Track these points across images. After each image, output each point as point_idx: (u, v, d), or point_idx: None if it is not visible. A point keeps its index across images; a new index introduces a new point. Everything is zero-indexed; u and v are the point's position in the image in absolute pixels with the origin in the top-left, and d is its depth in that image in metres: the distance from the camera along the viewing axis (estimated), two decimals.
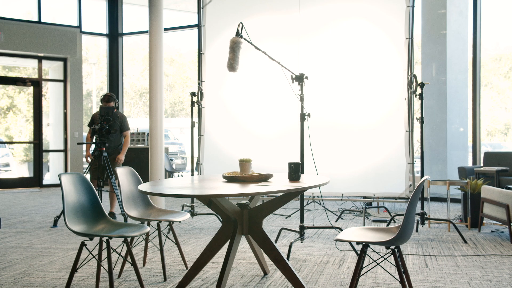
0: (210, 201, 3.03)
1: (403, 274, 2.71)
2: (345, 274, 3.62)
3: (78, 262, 2.98)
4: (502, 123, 13.31)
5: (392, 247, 2.67)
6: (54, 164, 10.70)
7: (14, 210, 7.01)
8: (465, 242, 4.66)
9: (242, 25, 3.81)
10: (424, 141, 5.56)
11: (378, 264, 3.19)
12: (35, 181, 10.15)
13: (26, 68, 11.23)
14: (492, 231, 5.20)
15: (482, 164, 7.49)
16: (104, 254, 3.09)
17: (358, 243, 2.70)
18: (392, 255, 2.70)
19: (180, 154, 13.50)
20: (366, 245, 2.69)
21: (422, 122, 5.11)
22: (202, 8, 6.45)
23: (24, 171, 11.29)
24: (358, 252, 4.27)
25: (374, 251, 3.46)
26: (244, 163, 3.28)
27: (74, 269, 2.95)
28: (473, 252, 4.27)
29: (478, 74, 7.79)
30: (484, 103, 10.79)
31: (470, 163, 8.14)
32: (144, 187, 2.97)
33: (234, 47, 3.63)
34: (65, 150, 10.36)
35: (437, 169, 8.32)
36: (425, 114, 7.77)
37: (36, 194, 8.99)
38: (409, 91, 5.57)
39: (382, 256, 3.06)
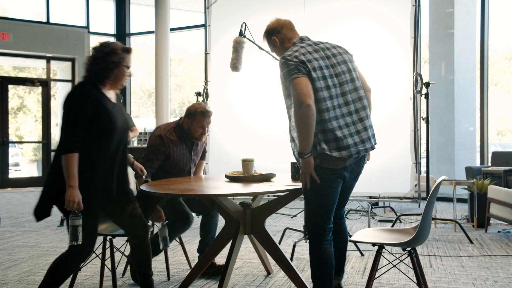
0: (212, 200, 3.04)
1: (420, 276, 2.66)
2: (349, 274, 3.62)
3: None
4: None
5: (409, 248, 2.64)
6: None
7: (22, 209, 7.07)
8: (471, 242, 4.63)
9: (245, 25, 3.82)
10: (431, 141, 5.53)
11: (394, 266, 3.16)
12: (43, 180, 10.21)
13: (36, 68, 11.33)
14: (498, 231, 5.16)
15: (490, 164, 7.43)
16: (108, 253, 3.11)
17: (374, 244, 2.64)
18: (408, 257, 2.66)
19: None
20: (381, 246, 2.65)
21: (427, 122, 5.08)
22: (208, 8, 6.46)
23: (33, 170, 11.39)
24: (363, 253, 4.26)
25: (377, 252, 3.44)
26: (246, 163, 3.29)
27: (78, 268, 2.97)
28: (479, 253, 4.24)
29: (486, 73, 7.73)
30: (494, 102, 10.70)
31: (478, 163, 8.08)
32: (146, 186, 2.98)
33: (237, 47, 3.65)
34: None
35: (444, 168, 8.26)
36: (433, 113, 7.72)
37: None
38: (415, 91, 5.54)
39: (397, 258, 2.99)
